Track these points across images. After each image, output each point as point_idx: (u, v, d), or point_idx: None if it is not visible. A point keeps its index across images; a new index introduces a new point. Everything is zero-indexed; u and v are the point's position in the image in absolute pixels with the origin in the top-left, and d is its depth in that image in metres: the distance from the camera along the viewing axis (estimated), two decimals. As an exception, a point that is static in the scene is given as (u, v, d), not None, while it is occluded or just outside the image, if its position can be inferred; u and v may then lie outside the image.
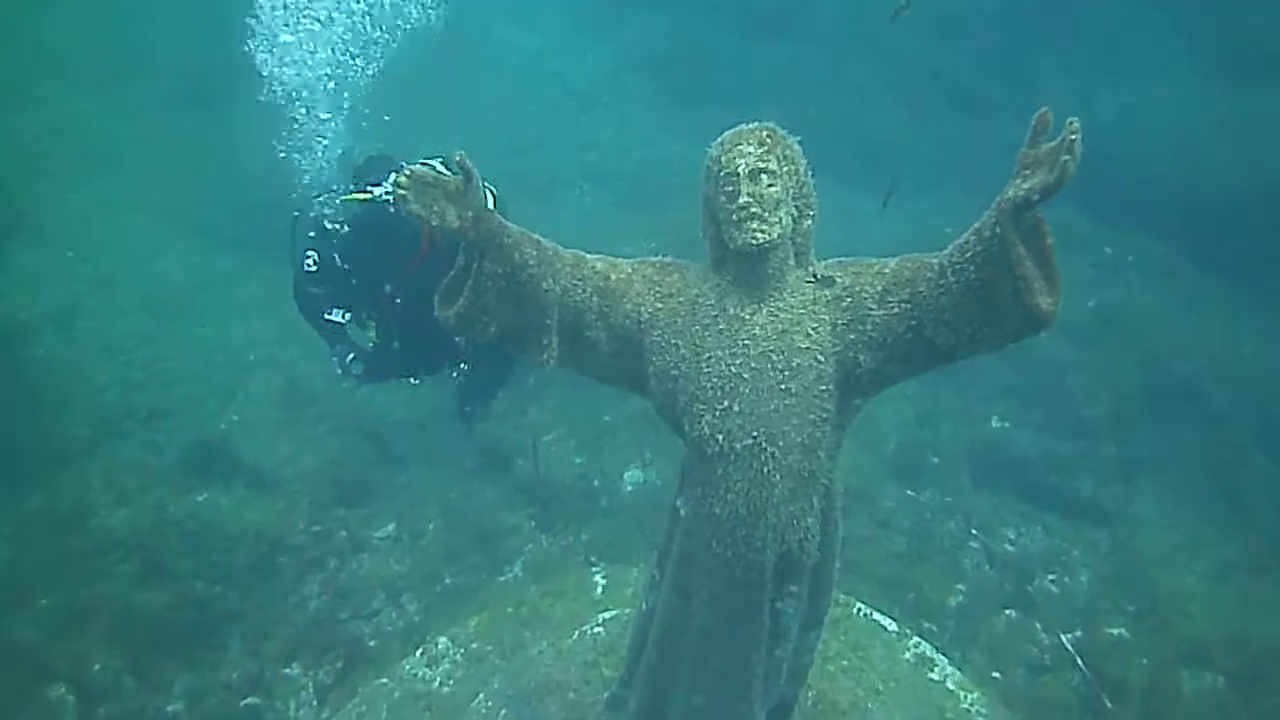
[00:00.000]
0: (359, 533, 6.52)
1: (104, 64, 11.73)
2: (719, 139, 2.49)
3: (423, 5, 6.87)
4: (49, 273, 8.52)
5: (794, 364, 2.47)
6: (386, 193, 4.30)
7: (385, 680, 4.57)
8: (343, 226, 4.49)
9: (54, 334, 7.89)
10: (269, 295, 8.23)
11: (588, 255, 2.66)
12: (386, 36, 6.09)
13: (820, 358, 2.48)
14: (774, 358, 2.47)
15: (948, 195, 9.92)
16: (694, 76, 12.30)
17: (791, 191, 2.47)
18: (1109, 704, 5.59)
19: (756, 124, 2.48)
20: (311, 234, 4.56)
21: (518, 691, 4.09)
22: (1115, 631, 6.06)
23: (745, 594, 2.67)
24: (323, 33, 5.58)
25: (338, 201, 4.52)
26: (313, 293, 4.60)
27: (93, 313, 8.25)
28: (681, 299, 2.62)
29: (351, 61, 5.70)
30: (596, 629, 4.39)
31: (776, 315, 2.50)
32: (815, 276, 2.52)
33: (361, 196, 4.37)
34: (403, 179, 2.34)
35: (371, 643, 5.83)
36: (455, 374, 5.31)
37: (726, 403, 2.49)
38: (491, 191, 4.01)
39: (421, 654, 4.66)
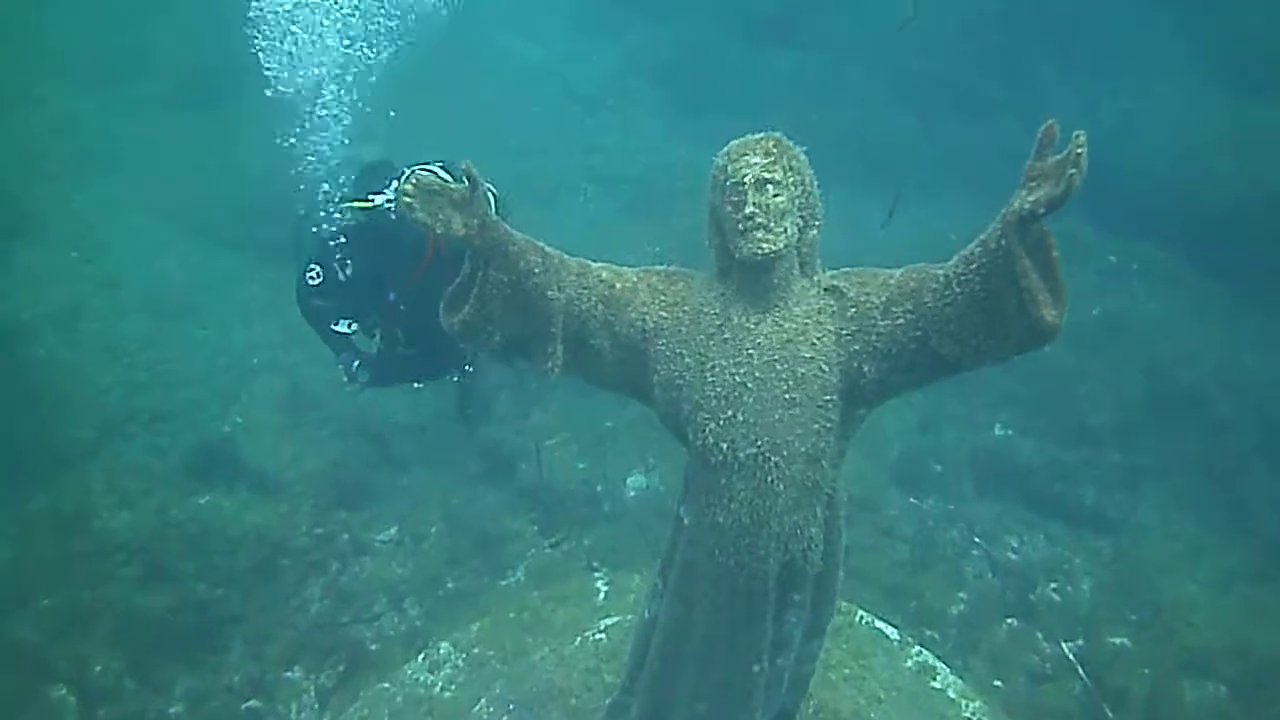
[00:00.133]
0: (361, 536, 6.51)
1: (104, 63, 11.68)
2: (725, 148, 2.49)
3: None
4: (53, 273, 8.51)
5: (799, 374, 2.47)
6: (389, 201, 4.31)
7: (387, 684, 4.58)
8: (345, 237, 4.51)
9: (57, 335, 7.87)
10: (271, 297, 8.24)
11: (593, 263, 2.66)
12: (397, 21, 6.06)
13: (825, 368, 2.47)
14: (779, 367, 2.47)
15: (952, 199, 9.92)
16: (700, 83, 12.27)
17: (797, 201, 2.47)
18: (1110, 713, 5.57)
19: (763, 134, 2.48)
20: (315, 244, 4.57)
21: (519, 697, 4.09)
22: (1117, 640, 6.04)
23: (748, 603, 2.68)
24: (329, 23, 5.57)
25: (340, 210, 4.53)
26: (318, 305, 4.62)
27: (96, 314, 8.24)
28: (686, 308, 2.62)
29: (362, 52, 5.69)
30: (598, 635, 4.39)
31: (781, 325, 2.50)
32: (823, 288, 2.52)
33: (364, 205, 4.38)
34: (408, 187, 2.34)
35: (373, 646, 5.82)
36: (458, 378, 5.32)
37: (731, 412, 2.49)
38: (491, 192, 4.01)
39: (423, 658, 4.67)
